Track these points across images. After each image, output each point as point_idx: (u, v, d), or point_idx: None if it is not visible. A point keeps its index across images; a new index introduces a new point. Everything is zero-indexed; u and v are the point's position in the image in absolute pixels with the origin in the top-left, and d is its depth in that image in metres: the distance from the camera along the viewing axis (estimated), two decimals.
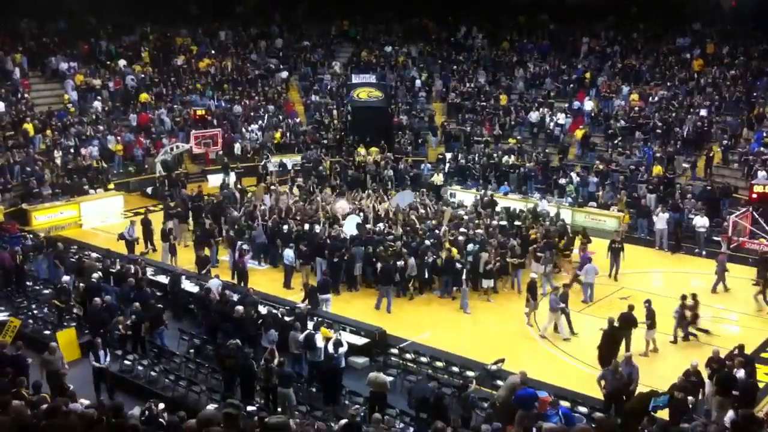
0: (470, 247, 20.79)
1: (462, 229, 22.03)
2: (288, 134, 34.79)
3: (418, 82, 38.35)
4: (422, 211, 24.27)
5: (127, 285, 17.95)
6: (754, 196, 24.29)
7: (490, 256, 20.25)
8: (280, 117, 36.07)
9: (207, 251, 21.57)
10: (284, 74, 39.03)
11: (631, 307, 16.75)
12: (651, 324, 16.72)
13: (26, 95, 32.28)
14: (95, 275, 18.25)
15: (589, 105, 33.55)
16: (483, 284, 20.43)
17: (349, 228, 22.36)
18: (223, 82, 37.46)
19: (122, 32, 38.40)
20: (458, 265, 20.15)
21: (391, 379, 14.48)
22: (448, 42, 41.18)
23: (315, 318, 17.01)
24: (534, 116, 33.90)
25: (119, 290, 17.98)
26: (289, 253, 20.98)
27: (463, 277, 19.84)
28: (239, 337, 14.96)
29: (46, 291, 19.52)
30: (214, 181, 30.21)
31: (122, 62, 36.00)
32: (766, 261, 20.10)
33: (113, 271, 19.61)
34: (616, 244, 21.56)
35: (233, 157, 32.83)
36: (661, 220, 24.17)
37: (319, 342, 15.14)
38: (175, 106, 34.76)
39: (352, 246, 20.99)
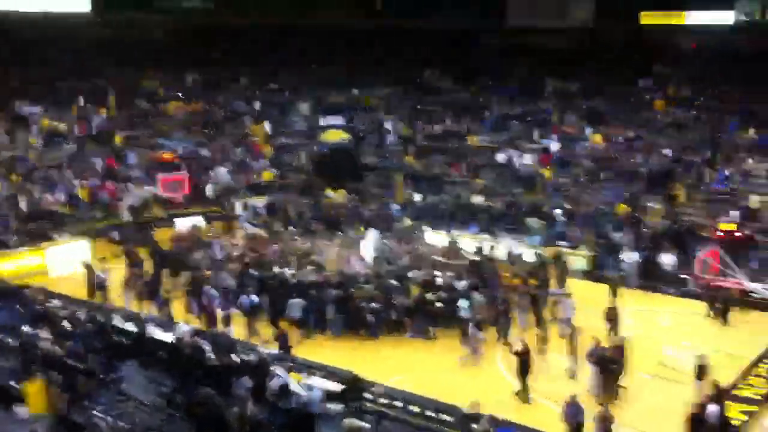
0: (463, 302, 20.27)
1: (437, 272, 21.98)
2: (255, 177, 34.71)
3: (386, 124, 38.59)
4: (390, 252, 24.25)
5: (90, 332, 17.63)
6: (720, 234, 24.68)
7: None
8: (248, 159, 35.98)
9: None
10: (251, 117, 39.06)
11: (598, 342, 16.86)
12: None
13: None
14: (64, 323, 17.90)
15: (555, 146, 33.98)
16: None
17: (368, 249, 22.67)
18: (190, 124, 37.38)
19: (89, 75, 38.23)
20: (438, 305, 20.06)
21: (367, 426, 14.29)
22: (417, 84, 41.60)
23: (286, 364, 16.80)
24: (501, 157, 34.23)
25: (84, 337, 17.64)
26: (252, 299, 20.63)
27: (470, 325, 19.01)
28: (210, 385, 14.70)
29: (10, 341, 19.06)
30: (182, 225, 29.92)
31: (87, 105, 35.82)
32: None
33: (78, 317, 19.24)
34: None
35: (203, 200, 32.70)
36: (628, 259, 24.41)
37: (293, 387, 14.94)
38: (142, 150, 34.54)
39: (323, 288, 20.86)
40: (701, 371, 16.07)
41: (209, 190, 33.36)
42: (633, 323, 20.85)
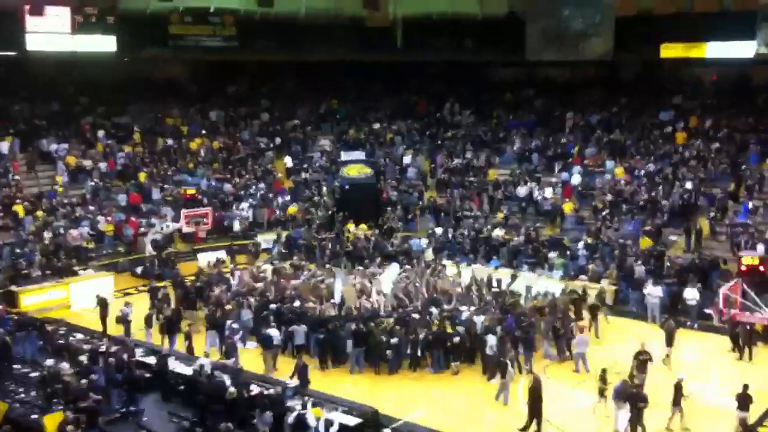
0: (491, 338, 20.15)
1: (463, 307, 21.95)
2: (278, 212, 34.96)
3: (406, 159, 38.80)
4: (410, 286, 24.24)
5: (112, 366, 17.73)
6: (744, 268, 24.45)
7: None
8: (270, 195, 36.26)
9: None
10: (273, 152, 39.46)
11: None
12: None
13: (16, 177, 32.42)
14: (82, 357, 18.04)
15: (576, 179, 33.94)
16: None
17: (388, 283, 22.96)
18: (213, 161, 37.83)
19: (113, 113, 38.86)
20: (456, 339, 20.04)
21: None
22: (436, 118, 41.84)
23: (305, 397, 16.79)
24: (522, 191, 34.25)
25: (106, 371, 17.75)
26: (271, 333, 20.65)
27: (509, 367, 18.62)
28: (231, 419, 14.72)
29: (33, 374, 19.22)
30: (204, 260, 30.12)
31: (112, 142, 36.37)
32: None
33: (101, 351, 19.37)
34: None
35: (226, 235, 33.10)
36: (651, 293, 24.22)
37: (311, 421, 14.91)
38: (166, 186, 34.95)
39: (340, 322, 20.88)
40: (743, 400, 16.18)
41: (234, 225, 33.61)
42: (656, 359, 20.65)
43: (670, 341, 20.65)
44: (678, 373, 18.13)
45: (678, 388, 16.74)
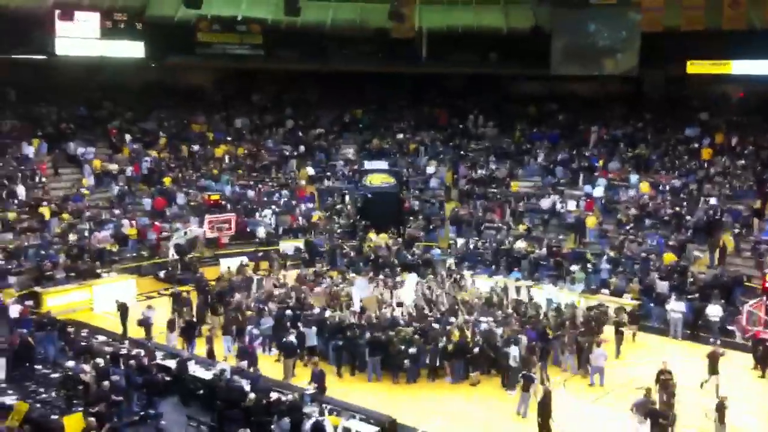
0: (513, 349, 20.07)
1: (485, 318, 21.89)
2: (300, 219, 35.11)
3: (429, 169, 38.83)
4: (431, 296, 24.23)
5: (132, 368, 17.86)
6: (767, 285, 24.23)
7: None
8: (294, 202, 36.42)
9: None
10: (297, 160, 39.67)
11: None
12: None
13: (43, 179, 32.82)
14: (98, 360, 18.17)
15: (599, 192, 33.80)
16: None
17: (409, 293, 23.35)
18: (237, 167, 38.09)
19: (140, 118, 39.26)
20: (476, 349, 20.03)
21: None
22: (459, 130, 41.85)
23: (323, 404, 16.81)
24: (545, 203, 34.15)
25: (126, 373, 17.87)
26: (291, 339, 20.67)
27: (536, 379, 18.56)
28: (249, 425, 14.76)
29: (54, 375, 19.40)
30: (226, 265, 30.27)
31: (138, 147, 36.75)
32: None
33: (122, 354, 19.52)
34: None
35: (249, 241, 33.39)
36: (674, 309, 24.02)
37: (329, 429, 14.92)
38: (190, 191, 35.22)
39: (359, 330, 20.91)
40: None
41: (258, 231, 33.84)
42: (678, 374, 20.48)
43: (713, 368, 19.55)
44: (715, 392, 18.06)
45: (721, 408, 16.48)
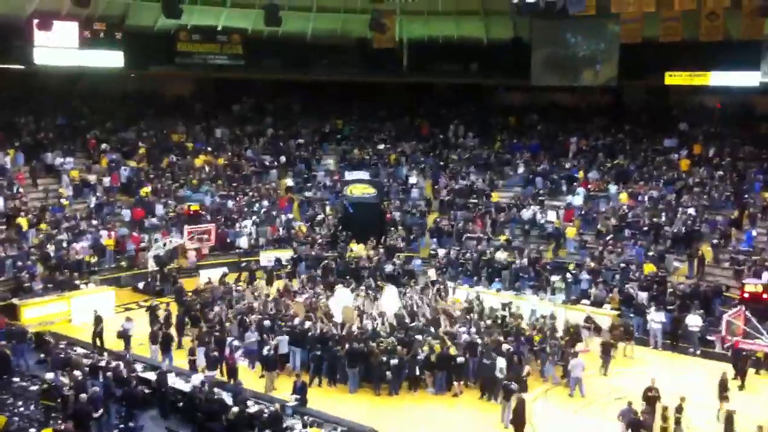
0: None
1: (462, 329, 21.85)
2: (281, 230, 34.98)
3: (410, 180, 38.87)
4: (412, 306, 24.19)
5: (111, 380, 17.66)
6: (746, 295, 24.42)
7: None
8: (274, 213, 36.28)
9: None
10: (277, 170, 39.56)
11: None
12: None
13: (20, 190, 32.48)
14: (77, 372, 17.95)
15: (579, 203, 33.99)
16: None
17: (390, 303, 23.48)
18: (217, 177, 37.91)
19: (119, 128, 39.01)
20: (460, 359, 19.99)
21: None
22: (440, 140, 41.94)
23: (305, 416, 16.71)
24: (526, 214, 34.26)
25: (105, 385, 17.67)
26: (271, 351, 20.51)
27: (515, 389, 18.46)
28: None
29: (33, 387, 19.15)
30: (206, 276, 30.06)
31: (116, 157, 36.48)
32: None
33: (101, 366, 19.30)
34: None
35: (229, 252, 33.25)
36: (654, 319, 24.14)
37: None
38: (169, 201, 34.98)
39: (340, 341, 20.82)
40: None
41: (240, 242, 33.64)
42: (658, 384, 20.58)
43: (723, 394, 19.04)
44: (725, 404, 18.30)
45: (729, 420, 16.55)
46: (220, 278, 28.52)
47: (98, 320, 23.07)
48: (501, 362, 19.68)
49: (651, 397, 17.97)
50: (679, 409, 17.29)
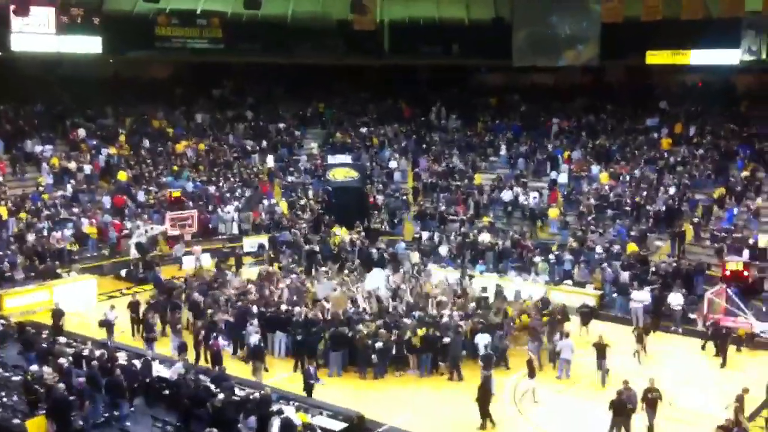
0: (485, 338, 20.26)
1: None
2: (263, 215, 34.83)
3: (393, 163, 38.78)
4: (396, 289, 24.20)
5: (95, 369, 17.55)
6: (728, 273, 24.60)
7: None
8: (257, 198, 36.11)
9: None
10: (259, 155, 39.35)
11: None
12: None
13: (0, 178, 32.13)
14: (62, 360, 17.82)
15: (562, 183, 34.07)
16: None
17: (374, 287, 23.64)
18: (198, 163, 37.65)
19: (99, 114, 38.63)
20: (446, 339, 20.06)
21: None
22: (422, 122, 41.86)
23: (290, 401, 16.71)
24: (507, 195, 34.28)
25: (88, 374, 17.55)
26: (256, 337, 20.48)
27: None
28: (215, 424, 14.60)
29: (16, 378, 19.00)
30: (189, 263, 29.93)
31: (96, 143, 36.14)
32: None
33: (84, 355, 19.17)
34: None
35: (211, 238, 33.05)
36: (636, 298, 24.23)
37: (297, 426, 14.82)
38: (151, 188, 34.73)
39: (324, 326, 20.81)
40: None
41: (223, 227, 33.46)
42: (641, 364, 20.77)
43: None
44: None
45: (737, 410, 16.13)
46: (199, 266, 28.35)
47: (58, 314, 22.58)
48: (485, 339, 19.84)
49: (651, 399, 17.26)
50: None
